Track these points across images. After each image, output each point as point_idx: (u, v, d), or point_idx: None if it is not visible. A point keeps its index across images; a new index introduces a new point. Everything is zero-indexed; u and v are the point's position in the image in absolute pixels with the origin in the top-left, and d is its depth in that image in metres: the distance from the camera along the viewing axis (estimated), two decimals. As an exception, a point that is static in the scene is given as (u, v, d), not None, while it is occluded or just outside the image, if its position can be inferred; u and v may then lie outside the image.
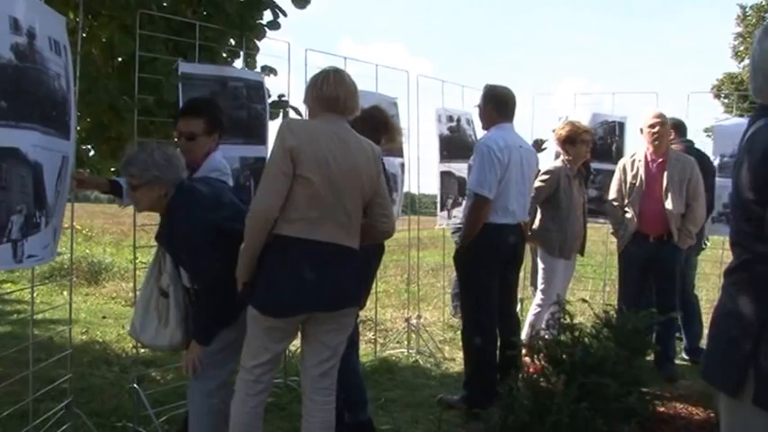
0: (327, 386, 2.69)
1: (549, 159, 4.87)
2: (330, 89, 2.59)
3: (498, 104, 3.96)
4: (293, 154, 2.44)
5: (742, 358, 1.60)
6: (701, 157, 4.81)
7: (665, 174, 4.47)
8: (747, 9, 19.96)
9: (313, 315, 2.59)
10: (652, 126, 4.47)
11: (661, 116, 4.48)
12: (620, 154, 5.68)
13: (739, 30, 19.96)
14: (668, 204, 4.43)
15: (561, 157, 4.63)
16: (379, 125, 3.43)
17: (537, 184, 4.36)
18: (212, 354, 2.71)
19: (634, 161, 4.64)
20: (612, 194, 4.73)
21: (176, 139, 3.12)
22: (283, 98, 4.28)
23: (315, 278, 2.49)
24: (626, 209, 4.61)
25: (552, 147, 5.03)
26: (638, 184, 4.54)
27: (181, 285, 2.78)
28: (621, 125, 5.83)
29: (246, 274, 2.54)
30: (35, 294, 4.10)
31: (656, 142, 4.47)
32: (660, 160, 4.52)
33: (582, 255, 4.89)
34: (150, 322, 2.84)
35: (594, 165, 5.45)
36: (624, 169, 4.67)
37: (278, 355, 2.69)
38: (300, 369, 2.82)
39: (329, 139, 2.52)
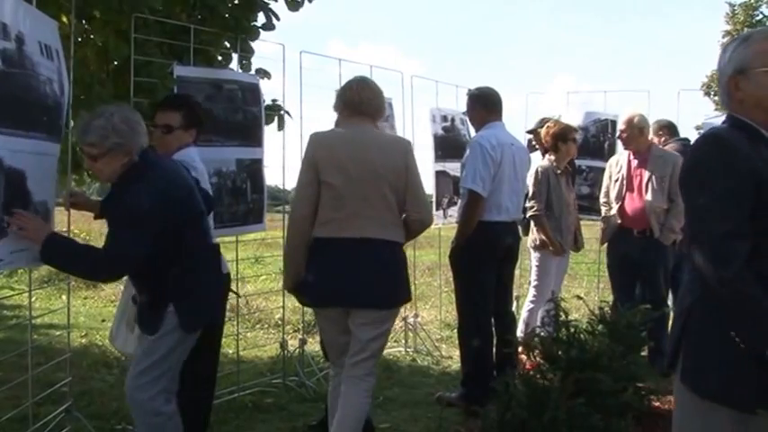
0: (358, 375, 2.87)
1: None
2: (352, 94, 2.91)
3: (486, 103, 4.02)
4: (315, 163, 2.79)
5: (675, 340, 1.80)
6: None
7: (646, 169, 4.58)
8: (736, 7, 19.99)
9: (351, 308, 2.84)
10: (621, 131, 4.67)
11: (628, 122, 4.59)
12: (612, 151, 5.73)
13: (728, 28, 19.97)
14: (648, 198, 4.52)
15: (548, 156, 4.70)
16: None
17: (530, 187, 4.47)
18: (151, 344, 2.57)
19: (619, 160, 4.80)
20: (602, 194, 4.88)
21: (151, 131, 2.93)
22: (276, 102, 4.31)
23: (339, 273, 2.77)
24: (611, 204, 4.72)
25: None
26: (620, 180, 4.67)
27: None
28: (614, 123, 5.87)
29: (292, 277, 2.88)
30: (33, 299, 4.10)
31: (625, 145, 4.66)
32: (643, 158, 4.64)
33: (578, 250, 4.99)
34: (122, 329, 2.85)
35: (586, 162, 5.51)
36: (611, 168, 4.82)
37: (335, 341, 2.97)
38: None
39: (349, 144, 2.83)
